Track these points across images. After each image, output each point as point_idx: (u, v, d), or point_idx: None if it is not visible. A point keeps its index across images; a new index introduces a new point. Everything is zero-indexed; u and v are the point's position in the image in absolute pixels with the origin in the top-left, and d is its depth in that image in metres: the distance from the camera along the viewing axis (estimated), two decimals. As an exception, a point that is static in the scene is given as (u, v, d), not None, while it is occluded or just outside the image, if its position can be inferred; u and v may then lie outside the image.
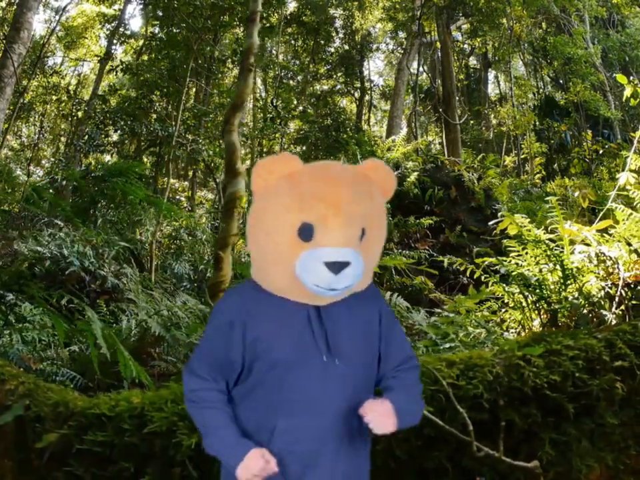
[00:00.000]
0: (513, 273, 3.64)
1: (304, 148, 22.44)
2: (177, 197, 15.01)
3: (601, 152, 12.70)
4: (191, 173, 16.62)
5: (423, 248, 7.90)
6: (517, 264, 3.92)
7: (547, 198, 3.77)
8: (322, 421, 1.33)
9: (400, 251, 7.30)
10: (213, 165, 20.08)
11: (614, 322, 3.70)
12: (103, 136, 13.42)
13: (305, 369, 1.32)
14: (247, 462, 1.29)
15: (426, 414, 1.94)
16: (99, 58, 14.62)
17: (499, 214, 3.89)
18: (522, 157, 16.69)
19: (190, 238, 10.17)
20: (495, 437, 1.99)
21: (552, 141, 16.60)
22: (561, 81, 18.29)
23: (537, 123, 16.88)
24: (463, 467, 2.00)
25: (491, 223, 4.46)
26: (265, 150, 23.34)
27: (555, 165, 15.56)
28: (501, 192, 8.82)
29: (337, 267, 1.21)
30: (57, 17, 16.53)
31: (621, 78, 6.15)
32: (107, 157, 16.15)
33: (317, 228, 1.23)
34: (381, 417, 1.31)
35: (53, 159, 17.47)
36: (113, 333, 3.17)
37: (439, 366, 2.16)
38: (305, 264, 1.23)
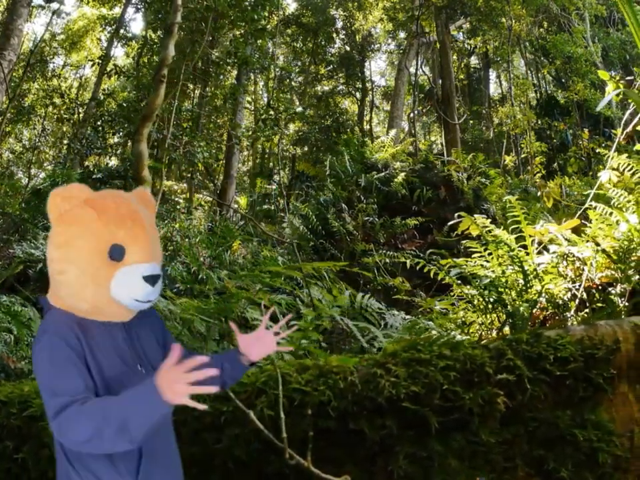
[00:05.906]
0: (469, 275, 3.61)
1: (305, 149, 22.46)
2: (175, 199, 15.10)
3: (597, 150, 12.55)
4: (189, 176, 16.74)
5: (410, 249, 7.85)
6: (481, 265, 3.90)
7: (506, 198, 3.75)
8: None
9: (385, 252, 7.26)
10: (213, 167, 20.16)
11: (576, 325, 3.67)
12: (102, 139, 13.55)
13: (130, 380, 1.35)
14: (164, 381, 1.15)
15: (252, 418, 1.95)
16: (93, 62, 14.73)
17: (455, 215, 3.87)
18: (522, 156, 16.57)
19: (186, 240, 10.22)
20: (343, 445, 1.95)
21: (553, 140, 16.46)
22: (562, 80, 18.14)
23: (538, 122, 16.75)
24: (305, 473, 1.95)
25: (450, 222, 4.44)
26: (266, 151, 23.41)
27: (555, 164, 15.42)
28: (491, 192, 8.72)
29: (152, 280, 1.36)
30: (55, 20, 16.67)
31: (603, 74, 6.08)
32: (107, 159, 16.31)
33: (129, 247, 1.36)
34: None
35: (54, 162, 17.66)
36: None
37: (288, 370, 2.12)
38: (122, 281, 1.34)
